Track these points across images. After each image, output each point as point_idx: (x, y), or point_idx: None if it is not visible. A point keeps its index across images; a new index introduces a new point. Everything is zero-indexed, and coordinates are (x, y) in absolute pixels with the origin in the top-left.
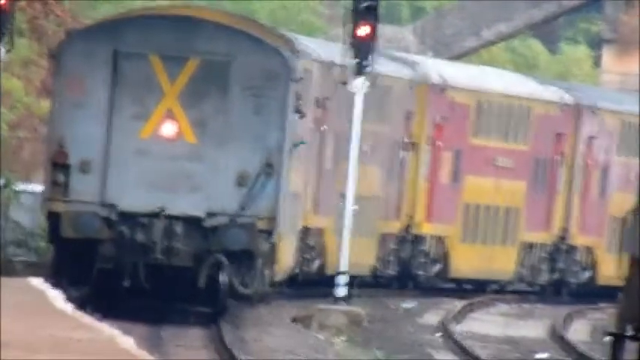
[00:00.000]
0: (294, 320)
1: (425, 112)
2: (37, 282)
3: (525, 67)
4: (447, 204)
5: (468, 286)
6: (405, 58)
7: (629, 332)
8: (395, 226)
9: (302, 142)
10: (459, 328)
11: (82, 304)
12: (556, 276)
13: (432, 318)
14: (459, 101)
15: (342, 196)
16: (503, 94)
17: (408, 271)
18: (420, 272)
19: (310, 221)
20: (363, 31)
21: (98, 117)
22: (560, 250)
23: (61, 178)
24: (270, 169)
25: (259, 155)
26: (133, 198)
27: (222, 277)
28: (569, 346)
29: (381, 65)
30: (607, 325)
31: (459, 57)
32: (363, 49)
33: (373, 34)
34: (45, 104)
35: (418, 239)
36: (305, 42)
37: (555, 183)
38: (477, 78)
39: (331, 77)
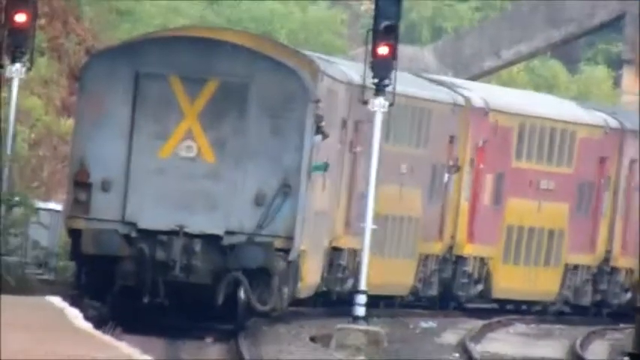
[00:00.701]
0: (313, 339)
1: (467, 135)
2: (56, 300)
3: (545, 87)
4: (488, 225)
5: (510, 307)
6: (446, 81)
7: None
8: (437, 247)
9: (325, 165)
10: (478, 348)
11: (102, 321)
12: (598, 297)
13: (450, 337)
14: (502, 124)
15: (377, 216)
16: (546, 118)
17: (450, 292)
18: (462, 293)
19: (342, 241)
20: (383, 50)
21: (119, 136)
22: (603, 272)
23: (82, 196)
24: (287, 189)
25: (277, 175)
26: (153, 216)
27: (240, 295)
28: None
29: (423, 89)
30: (625, 345)
31: (478, 77)
32: (383, 68)
33: (393, 54)
34: (65, 123)
35: (460, 260)
36: (334, 63)
37: (599, 206)
38: (519, 101)
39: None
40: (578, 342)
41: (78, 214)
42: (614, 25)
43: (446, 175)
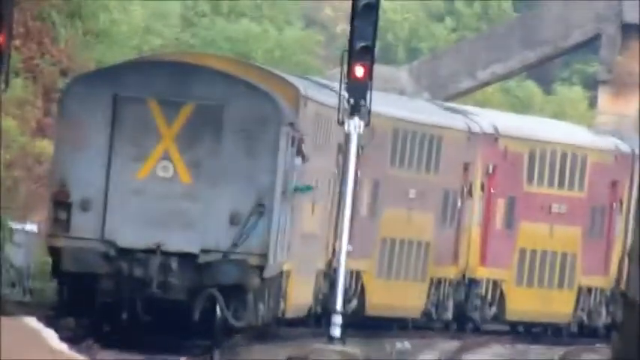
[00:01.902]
0: (289, 359)
1: (478, 161)
2: (32, 321)
3: (520, 107)
4: (501, 249)
5: (521, 329)
6: (457, 108)
7: None
8: (451, 271)
9: (308, 187)
10: None
11: (78, 339)
12: (609, 319)
13: (426, 358)
14: (512, 150)
15: (384, 240)
16: (557, 143)
17: (463, 314)
18: (476, 315)
19: (348, 262)
20: (359, 71)
21: (98, 157)
22: (615, 293)
23: (62, 215)
24: (261, 208)
25: (251, 195)
26: (131, 235)
27: (216, 311)
28: None
29: (436, 116)
30: None
31: (454, 98)
32: (359, 89)
33: (369, 75)
34: (40, 144)
35: (473, 283)
36: (331, 88)
37: (612, 229)
38: (529, 127)
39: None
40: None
41: (58, 233)
42: (589, 45)
43: (459, 201)
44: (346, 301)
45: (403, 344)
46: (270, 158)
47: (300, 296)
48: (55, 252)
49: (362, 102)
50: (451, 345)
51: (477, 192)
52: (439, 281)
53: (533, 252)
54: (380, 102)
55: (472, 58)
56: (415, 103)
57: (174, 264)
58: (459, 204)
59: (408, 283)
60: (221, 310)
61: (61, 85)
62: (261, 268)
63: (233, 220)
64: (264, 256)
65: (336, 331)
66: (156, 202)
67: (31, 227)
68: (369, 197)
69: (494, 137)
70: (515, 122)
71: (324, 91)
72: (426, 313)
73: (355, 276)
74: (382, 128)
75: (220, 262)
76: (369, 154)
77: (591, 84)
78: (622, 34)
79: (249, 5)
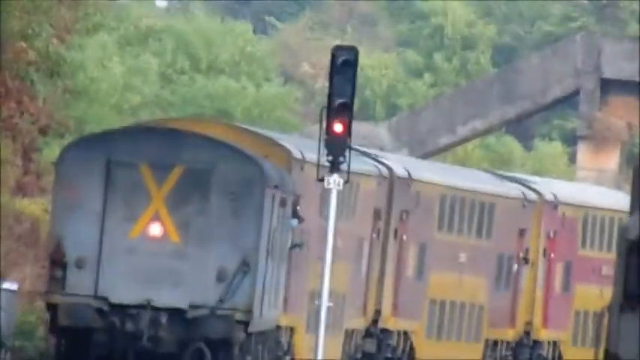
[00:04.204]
0: None
1: (540, 227)
2: None
3: (500, 163)
4: (559, 310)
5: None
6: (513, 177)
7: None
8: (509, 334)
9: (298, 245)
10: None
11: None
12: None
13: None
14: (568, 216)
15: (433, 302)
16: (605, 209)
17: None
18: None
19: (390, 323)
20: (338, 128)
21: (92, 218)
22: None
23: (58, 273)
24: (246, 267)
25: (237, 254)
26: (123, 291)
27: None
28: None
29: (489, 184)
30: None
31: (433, 154)
32: (338, 145)
33: (348, 131)
34: (20, 203)
35: (536, 345)
36: (362, 156)
37: None
38: (582, 195)
39: (408, 189)
40: None
41: (55, 290)
42: (568, 100)
43: (515, 265)
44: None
45: None
46: (254, 219)
47: (313, 353)
48: (51, 308)
49: (341, 158)
50: None
51: (540, 257)
52: (495, 343)
53: (586, 313)
54: (435, 171)
55: (451, 113)
56: (469, 172)
57: (163, 319)
58: (515, 268)
59: (461, 344)
60: None
61: (41, 144)
62: (246, 323)
63: (220, 277)
64: (249, 311)
65: None
66: (146, 260)
67: (11, 286)
68: (414, 261)
69: (554, 204)
70: (570, 190)
71: (357, 158)
72: None
73: (404, 336)
74: (430, 194)
75: (207, 317)
76: (414, 220)
77: (571, 139)
78: (601, 89)
79: (228, 62)
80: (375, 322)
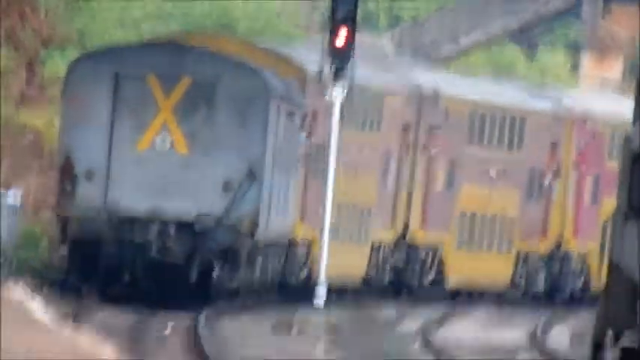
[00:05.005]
0: (275, 327)
1: (571, 141)
2: (17, 293)
3: (503, 73)
4: (589, 222)
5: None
6: (547, 91)
7: (609, 337)
8: (541, 245)
9: None
10: (439, 335)
11: (87, 294)
12: None
13: (411, 325)
14: (598, 131)
15: (463, 214)
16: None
17: (556, 285)
18: (568, 285)
19: (419, 236)
20: (341, 39)
21: (101, 131)
22: None
23: (68, 185)
24: (252, 177)
25: (243, 164)
26: (132, 203)
27: (211, 274)
28: (549, 351)
29: (522, 99)
30: (586, 330)
31: (437, 64)
32: (341, 56)
33: (351, 42)
34: (24, 115)
35: (567, 256)
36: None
37: None
38: (612, 110)
39: (437, 104)
40: (539, 327)
41: (65, 203)
42: (572, 10)
43: (547, 178)
44: (423, 272)
45: (388, 311)
46: (259, 130)
47: (339, 265)
48: (62, 220)
49: (344, 69)
50: (437, 311)
51: (570, 170)
52: (526, 255)
53: None
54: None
55: (454, 24)
56: (501, 86)
57: (171, 230)
58: (547, 181)
59: (491, 256)
60: (215, 273)
61: (44, 56)
62: (252, 233)
63: (226, 188)
64: (255, 221)
65: (320, 301)
66: (155, 172)
67: (14, 198)
68: (444, 175)
69: (583, 118)
70: (600, 105)
71: (372, 72)
72: (514, 285)
73: (433, 249)
74: (459, 109)
75: (214, 227)
76: (445, 136)
77: (574, 48)
78: None
79: None
80: (403, 235)
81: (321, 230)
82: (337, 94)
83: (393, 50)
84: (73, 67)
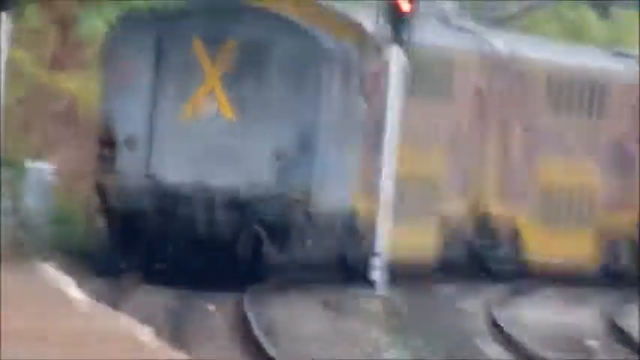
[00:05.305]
0: (326, 304)
1: None
2: (49, 268)
3: (573, 33)
4: None
5: None
6: (631, 54)
7: None
8: (623, 218)
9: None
10: (502, 314)
11: (126, 270)
12: None
13: (474, 303)
14: None
15: (541, 186)
16: None
17: None
18: None
19: (493, 209)
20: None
21: (143, 97)
22: None
23: (108, 153)
24: (305, 144)
25: (295, 132)
26: (175, 172)
27: (260, 247)
28: (621, 332)
29: (604, 63)
30: None
31: (500, 23)
32: (404, 18)
33: (415, 2)
34: (57, 78)
35: None
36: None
37: None
38: None
39: (511, 68)
40: (611, 307)
41: (104, 171)
42: None
43: (632, 146)
44: (497, 246)
45: (449, 288)
46: (314, 95)
47: (403, 242)
48: (101, 189)
49: (407, 31)
50: (499, 289)
51: None
52: (609, 230)
53: None
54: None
55: None
56: (581, 49)
57: (218, 202)
58: (633, 150)
59: (570, 229)
60: (265, 246)
61: (78, 12)
62: (305, 205)
63: (277, 157)
64: (307, 192)
65: (376, 275)
66: (200, 140)
67: (48, 168)
68: (520, 144)
69: None
70: None
71: (445, 35)
72: (595, 262)
73: (509, 222)
74: (536, 74)
75: (264, 198)
76: (524, 104)
77: None
78: None
79: None
80: (477, 207)
81: (383, 203)
82: (399, 57)
83: (454, 9)
84: (113, 30)
